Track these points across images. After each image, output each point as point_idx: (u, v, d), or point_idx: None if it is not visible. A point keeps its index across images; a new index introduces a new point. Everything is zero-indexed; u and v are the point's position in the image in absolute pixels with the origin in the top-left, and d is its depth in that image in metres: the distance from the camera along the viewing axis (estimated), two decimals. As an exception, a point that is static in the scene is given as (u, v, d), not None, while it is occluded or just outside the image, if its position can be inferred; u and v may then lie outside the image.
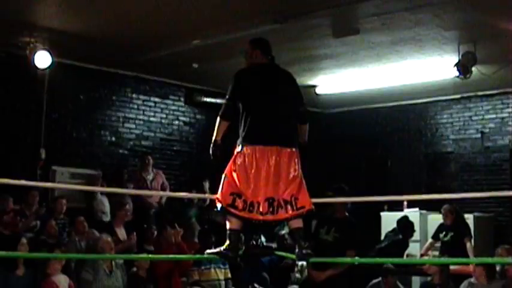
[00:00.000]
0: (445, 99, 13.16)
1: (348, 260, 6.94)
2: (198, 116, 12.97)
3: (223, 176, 5.20)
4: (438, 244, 10.20)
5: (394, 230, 10.19)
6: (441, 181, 13.11)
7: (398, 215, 10.86)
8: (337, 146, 14.19)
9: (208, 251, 5.58)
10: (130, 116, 12.03)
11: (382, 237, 10.81)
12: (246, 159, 5.09)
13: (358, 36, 9.40)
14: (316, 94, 12.60)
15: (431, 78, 11.32)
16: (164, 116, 12.51)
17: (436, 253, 10.23)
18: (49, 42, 9.68)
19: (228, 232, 5.23)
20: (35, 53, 9.66)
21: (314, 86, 12.36)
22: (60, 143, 11.10)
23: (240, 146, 5.15)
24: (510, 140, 12.43)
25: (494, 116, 12.65)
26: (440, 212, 10.19)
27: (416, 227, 10.48)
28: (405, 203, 12.22)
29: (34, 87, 10.61)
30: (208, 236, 9.49)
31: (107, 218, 10.48)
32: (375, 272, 8.46)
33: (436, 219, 10.71)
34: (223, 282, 9.14)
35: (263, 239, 10.85)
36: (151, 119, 12.32)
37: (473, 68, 9.84)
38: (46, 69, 9.97)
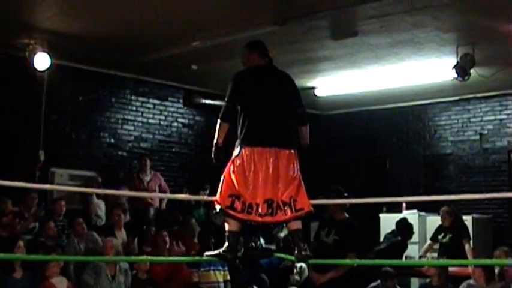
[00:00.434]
0: (444, 101, 13.18)
1: (347, 261, 6.93)
2: (197, 118, 12.97)
3: (221, 177, 5.20)
4: (437, 246, 10.20)
5: (393, 231, 10.19)
6: (440, 183, 13.11)
7: (397, 216, 10.87)
8: (336, 148, 14.20)
9: (207, 253, 5.58)
10: (129, 117, 12.03)
11: (381, 239, 10.81)
12: (245, 161, 5.09)
13: (356, 38, 9.42)
14: (315, 96, 12.61)
15: (429, 80, 11.34)
16: (163, 117, 12.51)
17: (435, 255, 10.24)
18: (48, 44, 9.68)
19: (226, 234, 5.23)
20: (34, 54, 9.66)
21: (313, 88, 12.37)
22: (59, 145, 11.09)
23: (239, 148, 5.15)
24: (509, 142, 12.45)
25: (492, 117, 12.66)
26: (439, 214, 10.19)
27: (415, 229, 10.48)
28: (404, 204, 12.22)
29: (33, 89, 10.62)
30: (208, 237, 9.48)
31: (101, 221, 10.47)
32: (374, 275, 8.46)
33: (434, 221, 10.72)
34: (222, 284, 9.14)
35: (262, 241, 10.85)
36: (150, 120, 12.32)
37: (472, 70, 9.85)
38: (45, 71, 9.97)
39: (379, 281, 8.35)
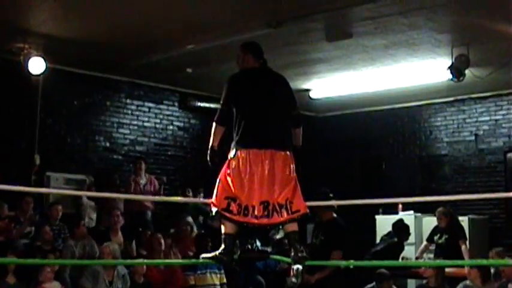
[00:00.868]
0: (439, 102, 13.20)
1: (342, 262, 6.97)
2: (192, 121, 12.97)
3: (217, 180, 5.20)
4: (433, 247, 10.21)
5: (389, 233, 10.19)
6: (436, 184, 13.13)
7: (394, 218, 10.87)
8: (332, 149, 14.20)
9: (203, 255, 5.57)
10: (125, 121, 12.02)
11: (378, 240, 10.82)
12: (240, 163, 5.07)
13: (351, 40, 9.43)
14: (311, 98, 12.62)
15: (425, 81, 11.35)
16: (158, 121, 12.50)
17: (431, 256, 10.25)
18: (43, 48, 9.67)
19: (223, 237, 5.21)
20: (28, 59, 9.63)
21: (308, 90, 12.37)
22: (55, 149, 11.08)
23: (234, 150, 5.14)
24: (504, 142, 12.47)
25: (488, 118, 12.68)
26: (435, 215, 10.19)
27: (412, 230, 10.49)
28: (400, 206, 12.23)
29: (28, 93, 10.60)
30: (204, 240, 9.48)
31: (93, 223, 10.45)
32: (370, 277, 8.47)
33: (431, 222, 10.71)
34: (218, 287, 9.14)
35: (258, 243, 10.84)
36: (146, 124, 12.31)
37: (467, 71, 9.86)
38: (40, 75, 9.95)
39: (374, 283, 8.36)
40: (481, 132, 12.75)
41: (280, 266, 10.06)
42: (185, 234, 10.40)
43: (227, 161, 5.17)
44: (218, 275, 9.16)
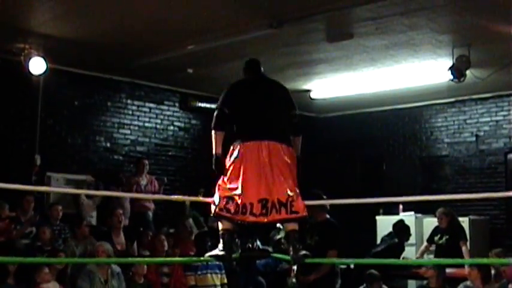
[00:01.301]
0: (440, 102, 13.21)
1: (343, 261, 6.99)
2: (193, 122, 12.96)
3: (219, 180, 5.22)
4: (433, 248, 10.20)
5: (390, 233, 10.19)
6: (436, 184, 13.13)
7: (394, 218, 10.87)
8: (332, 150, 14.21)
9: (207, 254, 5.56)
10: (125, 121, 12.02)
11: (378, 241, 10.82)
12: (238, 159, 5.08)
13: (352, 41, 9.42)
14: (311, 98, 12.62)
15: (425, 82, 11.35)
16: (159, 121, 12.50)
17: (432, 256, 10.24)
18: (44, 49, 9.67)
19: (221, 233, 5.22)
20: (29, 59, 9.63)
21: (309, 91, 12.37)
22: (55, 149, 11.07)
23: (232, 147, 5.16)
24: (505, 143, 12.47)
25: (488, 119, 12.68)
26: (435, 216, 10.19)
27: (412, 231, 10.50)
28: (401, 206, 12.23)
29: (29, 93, 10.60)
30: (204, 240, 9.48)
31: (93, 221, 10.46)
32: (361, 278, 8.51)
33: (431, 222, 10.71)
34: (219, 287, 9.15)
35: (259, 243, 10.84)
36: (146, 124, 12.31)
37: (468, 72, 9.86)
38: (41, 75, 9.94)
39: (364, 285, 8.38)
40: (482, 133, 12.75)
41: (281, 266, 10.06)
42: (185, 234, 10.40)
43: (226, 161, 5.19)
44: (219, 276, 9.17)
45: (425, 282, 8.79)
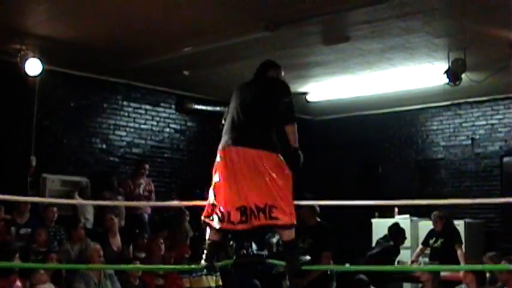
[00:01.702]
0: (436, 106, 13.22)
1: (340, 267, 6.99)
2: (189, 124, 12.96)
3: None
4: (428, 251, 10.22)
5: (385, 236, 10.19)
6: (432, 187, 13.15)
7: (390, 221, 10.86)
8: (328, 153, 14.19)
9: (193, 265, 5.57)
10: (121, 123, 12.01)
11: (373, 244, 10.82)
12: (217, 168, 5.04)
13: (348, 44, 9.44)
14: (307, 101, 12.62)
15: (421, 85, 11.36)
16: (155, 123, 12.50)
17: (427, 259, 10.26)
18: (40, 50, 9.66)
19: (206, 242, 5.26)
20: (25, 60, 9.63)
21: (305, 93, 12.38)
22: (51, 151, 11.06)
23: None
24: (500, 147, 12.49)
25: (484, 122, 12.71)
26: (431, 219, 10.21)
27: (407, 234, 10.49)
28: (396, 209, 12.24)
29: (25, 94, 10.59)
30: (199, 243, 9.46)
31: (89, 223, 10.44)
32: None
33: (426, 225, 10.74)
34: (214, 290, 9.15)
35: (254, 247, 10.84)
36: (142, 126, 12.30)
37: (463, 75, 9.89)
38: (37, 76, 9.94)
39: None
40: (478, 136, 12.77)
41: (276, 269, 10.06)
42: (181, 237, 10.39)
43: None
44: (214, 278, 9.15)
45: (420, 285, 8.80)
